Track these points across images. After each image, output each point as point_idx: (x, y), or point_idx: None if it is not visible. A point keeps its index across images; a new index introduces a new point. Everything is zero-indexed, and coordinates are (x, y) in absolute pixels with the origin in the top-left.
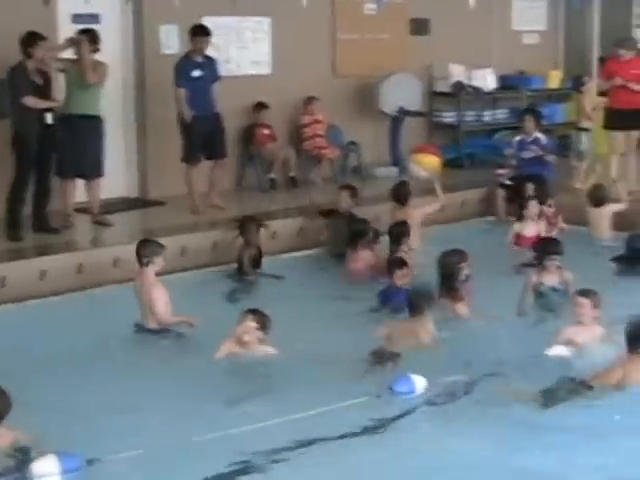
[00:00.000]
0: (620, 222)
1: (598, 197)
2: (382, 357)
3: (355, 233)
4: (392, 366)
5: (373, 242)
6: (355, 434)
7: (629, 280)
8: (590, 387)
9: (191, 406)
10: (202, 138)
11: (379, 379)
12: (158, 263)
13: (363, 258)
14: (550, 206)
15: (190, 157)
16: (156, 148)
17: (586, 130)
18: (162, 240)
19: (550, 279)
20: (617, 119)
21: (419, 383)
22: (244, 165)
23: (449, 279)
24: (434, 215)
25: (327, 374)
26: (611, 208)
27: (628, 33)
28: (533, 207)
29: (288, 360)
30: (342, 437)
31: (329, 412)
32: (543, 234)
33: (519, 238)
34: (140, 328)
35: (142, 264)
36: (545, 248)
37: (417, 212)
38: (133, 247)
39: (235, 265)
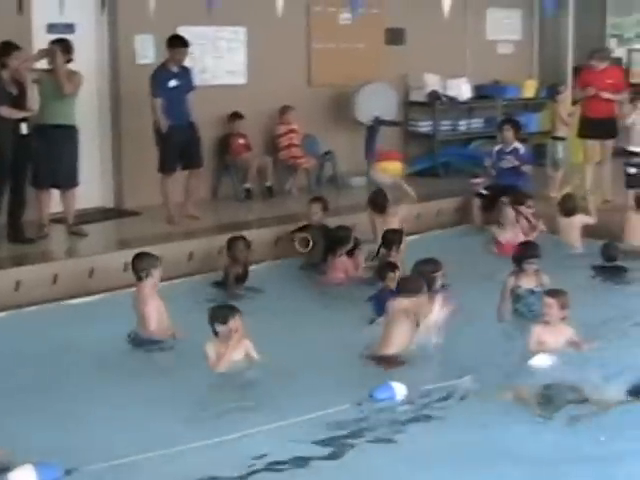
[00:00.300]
0: (596, 230)
1: (568, 207)
2: (381, 360)
3: (336, 240)
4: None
5: (354, 249)
6: (334, 442)
7: (605, 287)
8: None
9: (174, 415)
10: (178, 148)
11: (361, 386)
12: (155, 276)
13: (343, 265)
14: (529, 207)
15: (166, 167)
16: (131, 158)
17: (562, 139)
18: (137, 251)
19: (527, 282)
20: (591, 128)
21: (399, 390)
22: (220, 175)
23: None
24: (410, 221)
25: (310, 383)
26: (581, 219)
27: (602, 43)
28: (509, 214)
29: (271, 369)
30: (322, 445)
31: (309, 421)
32: (520, 239)
33: (497, 244)
34: (134, 337)
35: (139, 278)
36: (523, 251)
37: (395, 218)
38: (109, 257)
39: (214, 275)
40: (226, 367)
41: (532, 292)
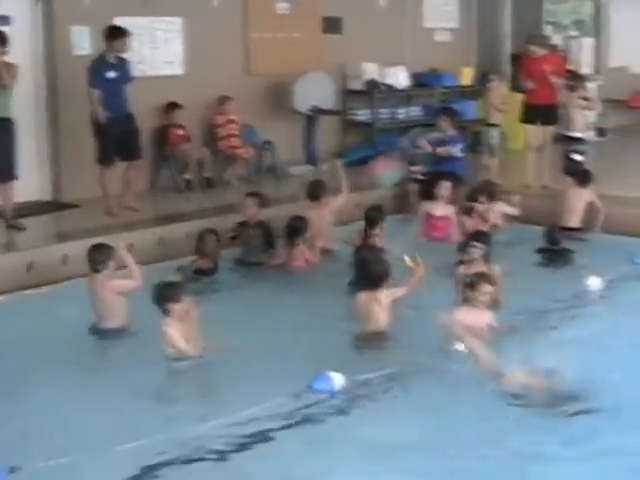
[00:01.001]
0: (536, 216)
1: (489, 193)
2: (369, 340)
3: (293, 230)
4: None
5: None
6: (271, 435)
7: (549, 271)
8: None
9: (124, 409)
10: (116, 139)
11: (300, 377)
12: (111, 267)
13: (302, 253)
14: (482, 202)
15: (104, 159)
16: (69, 150)
17: (495, 126)
18: (77, 243)
19: (476, 270)
20: (534, 114)
21: (337, 380)
22: (158, 166)
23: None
24: (351, 210)
25: (252, 374)
26: (501, 207)
27: (539, 30)
28: (445, 188)
29: (223, 357)
30: (261, 438)
31: (246, 415)
32: (453, 217)
33: (429, 218)
34: (95, 330)
35: (96, 270)
36: (470, 237)
37: (327, 209)
38: (48, 250)
39: (154, 267)
40: (196, 349)
41: None
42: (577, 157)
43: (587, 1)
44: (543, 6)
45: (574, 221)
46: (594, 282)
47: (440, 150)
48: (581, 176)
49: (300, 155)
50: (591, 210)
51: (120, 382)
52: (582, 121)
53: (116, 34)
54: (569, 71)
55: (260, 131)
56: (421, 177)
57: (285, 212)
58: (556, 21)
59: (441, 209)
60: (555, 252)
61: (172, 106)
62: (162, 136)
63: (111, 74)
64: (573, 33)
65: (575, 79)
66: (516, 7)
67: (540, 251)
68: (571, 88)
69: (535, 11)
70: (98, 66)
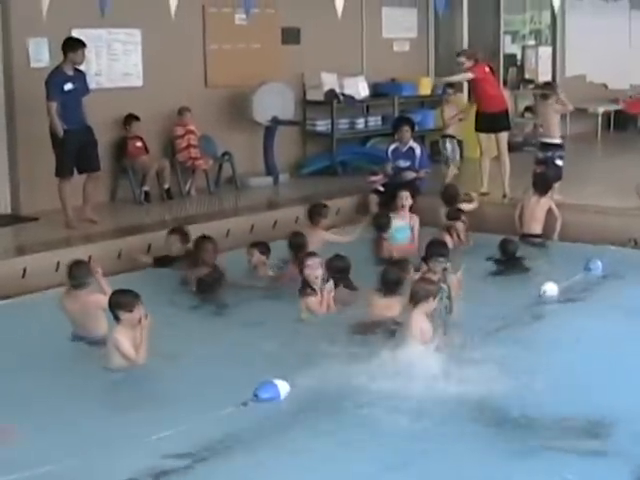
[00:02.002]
0: (495, 225)
1: (450, 196)
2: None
3: (296, 246)
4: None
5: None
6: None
7: (503, 280)
8: None
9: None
10: (74, 152)
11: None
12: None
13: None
14: (464, 222)
15: (63, 171)
16: (28, 163)
17: (451, 137)
18: (36, 256)
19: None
20: (482, 122)
21: (282, 388)
22: (117, 178)
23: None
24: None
25: (202, 383)
26: (465, 207)
27: (497, 40)
28: (404, 198)
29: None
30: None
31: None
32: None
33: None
34: (76, 338)
35: (78, 286)
36: (432, 250)
37: (321, 235)
38: (7, 264)
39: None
40: (144, 358)
41: None
42: (560, 162)
43: (544, 11)
44: (501, 15)
45: (535, 228)
46: (550, 288)
47: (400, 161)
48: (541, 183)
49: (260, 166)
50: (550, 218)
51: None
52: (558, 127)
53: (73, 46)
54: (525, 80)
55: (219, 142)
56: (381, 188)
57: (248, 223)
58: (514, 30)
59: (400, 220)
60: (508, 261)
61: (130, 118)
62: (121, 148)
63: (68, 86)
64: (531, 42)
65: (547, 87)
66: (474, 17)
67: (493, 260)
68: (544, 97)
69: (493, 21)
70: (55, 78)
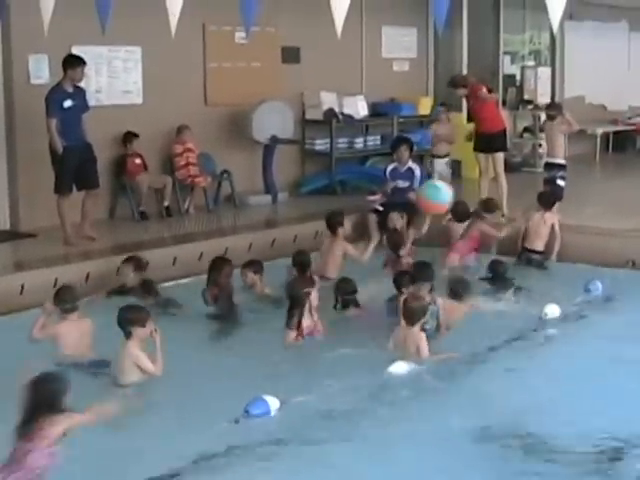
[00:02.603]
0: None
1: (460, 212)
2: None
3: (303, 264)
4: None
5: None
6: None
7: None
8: None
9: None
10: (73, 168)
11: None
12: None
13: None
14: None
15: (61, 188)
16: (27, 179)
17: (440, 157)
18: (34, 272)
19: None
20: (479, 142)
21: (273, 404)
22: (116, 195)
23: (296, 307)
24: (309, 239)
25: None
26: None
27: (496, 60)
28: (395, 219)
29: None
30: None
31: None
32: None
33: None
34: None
35: (70, 310)
36: (417, 275)
37: (343, 246)
38: (5, 280)
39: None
40: (161, 370)
41: None
42: (562, 183)
43: (544, 32)
44: (500, 36)
45: (538, 244)
46: (552, 311)
47: (399, 182)
48: (546, 199)
49: (259, 185)
50: (551, 236)
51: None
52: (563, 147)
53: (72, 63)
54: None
55: (218, 160)
56: (380, 208)
57: (246, 241)
58: (514, 51)
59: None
60: (499, 281)
61: (130, 135)
62: (120, 165)
63: (68, 103)
64: (530, 63)
65: (552, 108)
66: (473, 37)
67: (483, 279)
68: (550, 117)
69: (492, 41)
70: (55, 95)
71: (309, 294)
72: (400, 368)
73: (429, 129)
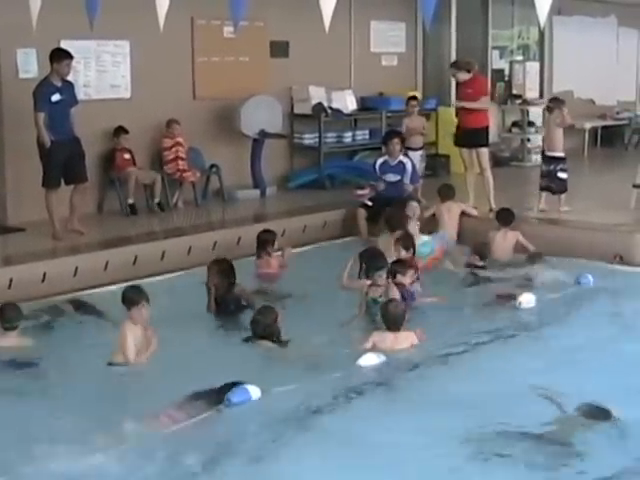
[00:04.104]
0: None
1: (446, 193)
2: None
3: (263, 241)
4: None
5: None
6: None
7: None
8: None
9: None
10: (61, 163)
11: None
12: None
13: (273, 262)
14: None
15: (49, 182)
16: (15, 173)
17: (413, 150)
18: (23, 267)
19: (374, 291)
20: (462, 137)
21: (254, 393)
22: (105, 189)
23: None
24: (297, 233)
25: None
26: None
27: (485, 54)
28: (414, 208)
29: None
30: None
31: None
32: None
33: None
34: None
35: (6, 328)
36: (369, 265)
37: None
38: None
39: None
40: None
41: (375, 301)
42: (563, 175)
43: (532, 26)
44: (489, 31)
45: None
46: (527, 300)
47: (389, 175)
48: (503, 216)
49: (247, 179)
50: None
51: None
52: (561, 141)
53: (59, 56)
54: (513, 95)
55: (207, 155)
56: (369, 202)
57: (235, 235)
58: (502, 46)
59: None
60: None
61: (118, 130)
62: (109, 160)
63: (56, 97)
64: (518, 58)
65: (552, 101)
66: (462, 32)
67: (472, 267)
68: (549, 110)
69: (481, 36)
70: (43, 89)
71: None
72: (370, 360)
73: (402, 123)
